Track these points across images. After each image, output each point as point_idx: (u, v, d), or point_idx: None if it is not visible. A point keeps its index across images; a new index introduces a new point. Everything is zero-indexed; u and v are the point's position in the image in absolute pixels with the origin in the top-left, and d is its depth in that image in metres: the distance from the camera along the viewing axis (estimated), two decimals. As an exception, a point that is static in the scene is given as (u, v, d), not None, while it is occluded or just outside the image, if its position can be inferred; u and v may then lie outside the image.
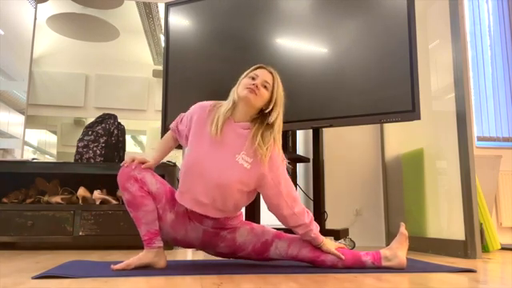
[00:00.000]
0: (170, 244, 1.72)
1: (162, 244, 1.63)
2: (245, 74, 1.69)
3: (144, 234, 1.60)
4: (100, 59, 3.70)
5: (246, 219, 2.55)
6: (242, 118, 1.67)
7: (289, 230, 1.90)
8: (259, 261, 1.75)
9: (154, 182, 1.63)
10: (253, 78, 1.64)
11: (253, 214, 2.53)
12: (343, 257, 1.64)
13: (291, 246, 1.69)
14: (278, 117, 1.65)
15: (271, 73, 1.68)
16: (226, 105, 1.67)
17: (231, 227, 1.73)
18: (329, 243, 1.68)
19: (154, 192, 1.62)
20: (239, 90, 1.64)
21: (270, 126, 1.64)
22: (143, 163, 1.67)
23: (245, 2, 2.66)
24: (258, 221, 2.59)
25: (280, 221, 1.70)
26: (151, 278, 1.39)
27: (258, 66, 1.70)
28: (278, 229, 1.83)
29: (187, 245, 1.76)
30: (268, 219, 2.58)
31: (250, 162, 1.60)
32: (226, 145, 1.62)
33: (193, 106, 1.76)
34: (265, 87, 1.63)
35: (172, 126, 1.82)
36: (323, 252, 1.66)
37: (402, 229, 1.71)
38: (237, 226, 1.74)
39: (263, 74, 1.66)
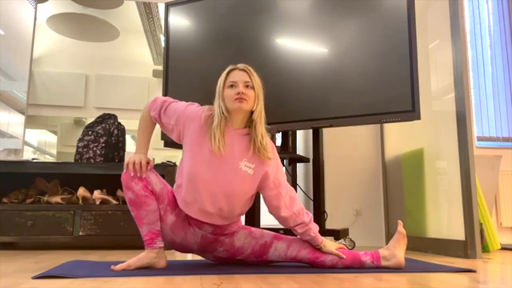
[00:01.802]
0: (167, 247, 1.71)
1: (162, 244, 1.63)
2: (221, 83, 1.64)
3: (145, 233, 1.60)
4: (100, 59, 3.70)
5: (246, 222, 2.56)
6: (239, 125, 1.66)
7: (288, 232, 1.90)
8: (259, 263, 1.75)
9: (158, 182, 1.62)
10: (232, 86, 1.61)
11: (252, 216, 2.53)
12: (344, 256, 1.64)
13: (290, 247, 1.69)
14: (261, 108, 1.66)
15: (244, 70, 1.65)
16: (216, 119, 1.61)
17: (229, 233, 1.73)
18: (329, 244, 1.68)
19: (158, 192, 1.61)
20: (228, 104, 1.61)
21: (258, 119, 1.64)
22: (148, 162, 1.62)
23: (245, 2, 2.66)
24: (257, 223, 2.59)
25: (280, 222, 1.70)
26: (151, 278, 1.39)
27: (228, 70, 1.66)
28: (276, 230, 1.83)
29: (185, 249, 1.75)
30: (267, 221, 2.58)
31: (253, 167, 1.62)
32: (228, 154, 1.61)
33: (187, 109, 1.66)
34: (247, 87, 1.62)
35: (154, 114, 1.71)
36: (323, 253, 1.66)
37: (400, 227, 1.70)
38: (235, 230, 1.75)
39: (239, 77, 1.62)
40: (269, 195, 1.65)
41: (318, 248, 1.67)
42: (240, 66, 1.67)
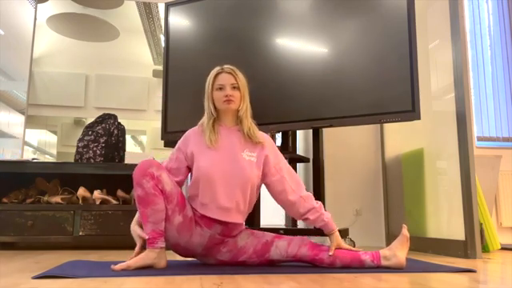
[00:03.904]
0: (169, 248, 1.71)
1: (164, 245, 1.63)
2: (209, 85, 1.77)
3: (148, 232, 1.60)
4: (100, 59, 3.70)
5: (246, 221, 2.57)
6: (231, 123, 1.80)
7: (287, 233, 1.89)
8: (261, 265, 1.75)
9: (170, 182, 1.65)
10: (220, 89, 1.74)
11: (252, 215, 2.53)
12: (360, 250, 1.68)
13: (291, 245, 1.70)
14: (247, 105, 1.79)
15: (230, 73, 1.77)
16: (206, 118, 1.77)
17: (236, 234, 1.76)
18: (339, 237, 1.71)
19: (168, 192, 1.63)
20: (218, 105, 1.76)
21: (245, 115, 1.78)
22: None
23: (245, 2, 2.66)
24: (257, 222, 2.59)
25: (289, 210, 1.75)
26: (151, 278, 1.39)
27: (216, 73, 1.78)
28: (276, 230, 1.84)
29: (188, 252, 1.77)
30: (267, 221, 2.58)
31: (255, 155, 1.74)
32: (229, 148, 1.73)
33: (184, 136, 1.80)
34: (234, 88, 1.75)
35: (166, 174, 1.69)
36: (322, 250, 1.67)
37: (404, 230, 1.71)
38: (239, 231, 1.78)
39: (226, 79, 1.75)
40: (272, 181, 1.73)
41: (330, 234, 1.69)
42: (226, 68, 1.79)
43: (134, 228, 1.68)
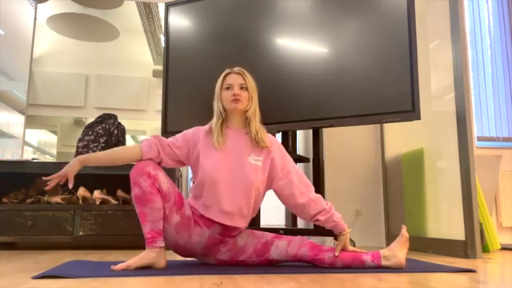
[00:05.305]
0: (168, 248, 1.71)
1: (163, 244, 1.63)
2: (219, 86, 1.78)
3: (147, 231, 1.60)
4: (100, 59, 3.70)
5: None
6: (239, 125, 1.79)
7: (287, 233, 1.89)
8: (261, 265, 1.75)
9: (166, 182, 1.65)
10: (228, 88, 1.75)
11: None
12: (364, 250, 1.68)
13: (291, 245, 1.70)
14: (255, 107, 1.78)
15: (239, 73, 1.78)
16: (215, 119, 1.77)
17: (235, 234, 1.76)
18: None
19: (165, 191, 1.63)
20: (226, 104, 1.75)
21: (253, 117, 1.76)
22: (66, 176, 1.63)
23: (245, 2, 2.66)
24: (258, 222, 2.59)
25: (300, 214, 1.74)
26: (151, 278, 1.39)
27: (225, 74, 1.79)
28: (276, 230, 1.84)
29: (187, 252, 1.77)
30: (267, 221, 2.58)
31: (261, 159, 1.73)
32: (236, 151, 1.73)
33: (194, 131, 1.77)
34: (242, 88, 1.75)
35: (152, 155, 1.68)
36: (322, 250, 1.68)
37: (403, 230, 1.72)
38: (239, 232, 1.78)
39: (235, 79, 1.76)
40: (279, 185, 1.72)
41: (342, 235, 1.68)
42: (235, 69, 1.80)
43: (74, 165, 1.63)
